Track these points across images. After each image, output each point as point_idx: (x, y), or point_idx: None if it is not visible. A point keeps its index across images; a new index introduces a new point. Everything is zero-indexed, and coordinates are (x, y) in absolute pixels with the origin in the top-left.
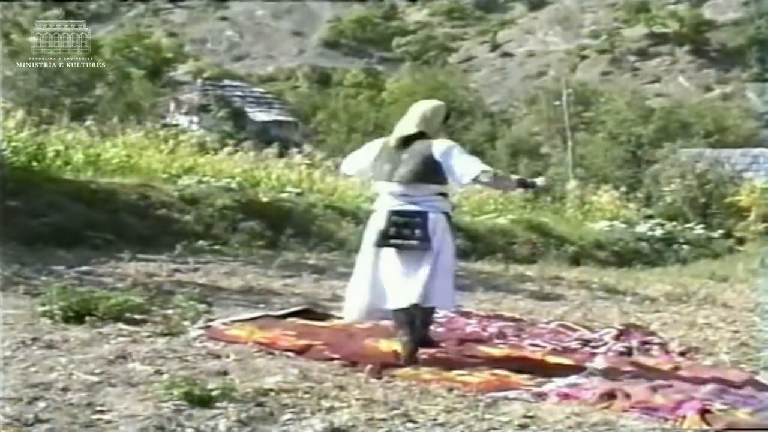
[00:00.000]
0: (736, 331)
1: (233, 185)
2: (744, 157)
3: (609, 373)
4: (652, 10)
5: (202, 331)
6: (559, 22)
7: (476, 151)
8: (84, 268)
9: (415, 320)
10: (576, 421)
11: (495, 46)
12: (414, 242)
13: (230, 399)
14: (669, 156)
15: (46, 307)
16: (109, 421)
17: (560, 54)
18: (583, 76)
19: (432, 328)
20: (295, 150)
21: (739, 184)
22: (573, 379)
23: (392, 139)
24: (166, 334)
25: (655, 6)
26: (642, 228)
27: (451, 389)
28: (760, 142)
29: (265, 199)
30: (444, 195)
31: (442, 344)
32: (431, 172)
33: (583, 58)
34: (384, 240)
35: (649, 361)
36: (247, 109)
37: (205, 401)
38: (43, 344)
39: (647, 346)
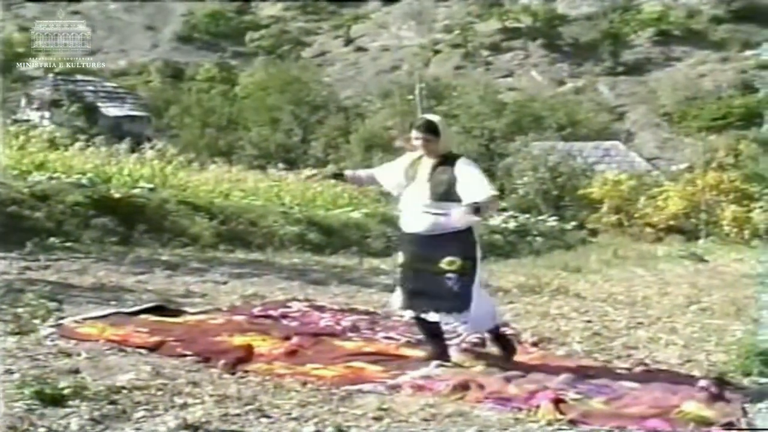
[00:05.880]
0: (588, 321)
1: (84, 181)
2: (596, 150)
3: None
4: (505, 4)
5: (53, 330)
6: (413, 17)
7: (330, 146)
8: None
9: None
10: (430, 413)
11: (349, 41)
12: None
13: (82, 397)
14: (521, 149)
15: None
16: None
17: (414, 48)
18: (436, 71)
19: (287, 322)
20: (147, 145)
21: (591, 176)
22: (427, 370)
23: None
24: (16, 333)
25: (509, 1)
26: (495, 220)
27: (305, 383)
28: (611, 135)
29: (117, 195)
30: None
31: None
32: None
33: (437, 52)
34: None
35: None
36: (99, 104)
37: (56, 400)
38: None
39: None
